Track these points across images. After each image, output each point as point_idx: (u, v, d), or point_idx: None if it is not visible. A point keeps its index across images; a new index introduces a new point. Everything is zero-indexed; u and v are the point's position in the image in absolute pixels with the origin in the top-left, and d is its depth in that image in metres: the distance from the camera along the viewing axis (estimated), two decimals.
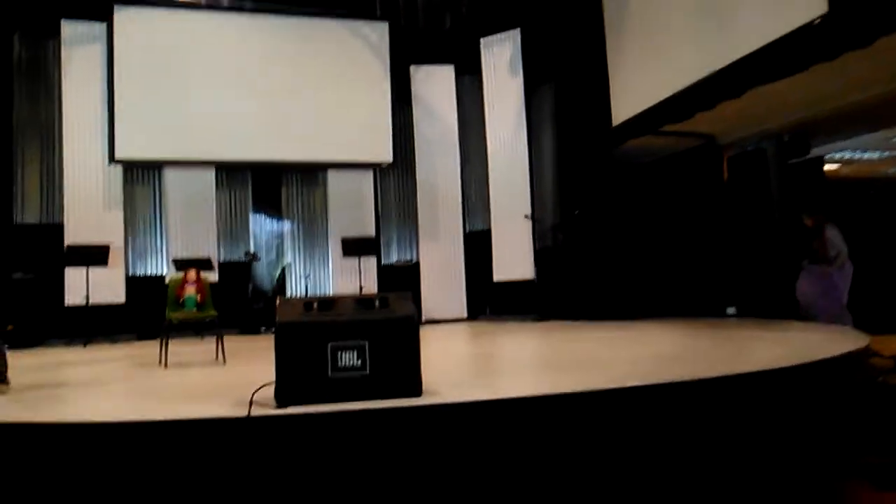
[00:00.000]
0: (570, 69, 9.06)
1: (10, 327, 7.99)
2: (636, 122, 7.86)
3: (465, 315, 10.02)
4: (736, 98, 6.21)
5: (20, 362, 6.21)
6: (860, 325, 5.64)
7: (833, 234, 6.73)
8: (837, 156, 9.75)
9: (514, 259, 9.54)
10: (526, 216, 9.33)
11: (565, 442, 2.96)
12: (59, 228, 8.62)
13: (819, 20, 5.03)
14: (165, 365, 5.13)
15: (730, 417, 3.27)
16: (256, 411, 2.84)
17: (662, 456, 3.07)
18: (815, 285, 6.75)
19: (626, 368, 3.93)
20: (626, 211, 8.80)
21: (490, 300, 9.96)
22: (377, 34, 10.02)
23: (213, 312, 5.54)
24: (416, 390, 3.11)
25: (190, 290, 5.58)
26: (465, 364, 5.06)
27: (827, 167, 8.62)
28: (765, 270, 7.75)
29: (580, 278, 8.69)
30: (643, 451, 3.05)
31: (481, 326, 8.90)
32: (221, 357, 5.32)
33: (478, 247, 10.08)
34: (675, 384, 3.24)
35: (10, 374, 4.04)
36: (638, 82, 7.81)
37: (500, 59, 9.93)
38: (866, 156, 9.96)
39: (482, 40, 10.05)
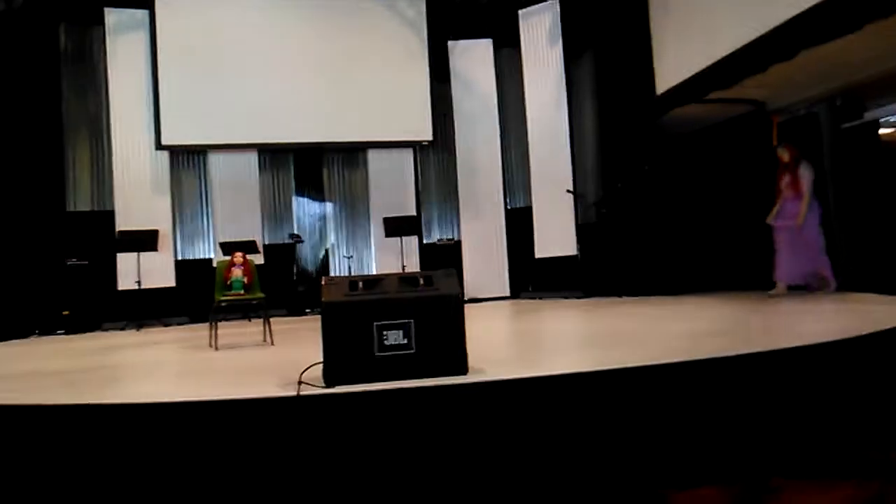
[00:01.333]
0: (611, 37, 8.83)
1: (66, 312, 8.31)
2: (681, 89, 7.64)
3: (507, 293, 9.99)
4: (787, 61, 5.97)
5: (76, 346, 6.45)
6: None
7: (808, 171, 6.68)
8: (893, 119, 9.34)
9: (556, 235, 9.45)
10: (568, 191, 9.22)
11: (610, 418, 2.93)
12: (109, 215, 8.87)
13: None
14: (216, 347, 5.25)
15: (779, 392, 3.19)
16: (305, 391, 2.87)
17: (710, 430, 3.01)
18: (796, 245, 6.67)
19: (673, 344, 3.86)
20: (672, 183, 8.59)
21: (533, 277, 9.89)
22: (414, 10, 9.95)
23: (260, 294, 5.62)
24: (463, 368, 3.10)
25: (237, 273, 5.66)
26: (509, 342, 5.04)
27: (882, 131, 8.26)
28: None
29: (624, 253, 8.54)
30: (690, 425, 3.00)
31: (524, 304, 8.86)
32: (269, 338, 5.41)
33: (519, 223, 10.00)
34: (723, 359, 3.17)
35: (68, 357, 4.18)
36: (683, 48, 7.57)
37: (539, 30, 9.76)
38: None
39: (520, 12, 9.88)
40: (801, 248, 6.71)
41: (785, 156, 6.92)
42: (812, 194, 6.69)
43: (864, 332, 3.60)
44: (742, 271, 8.23)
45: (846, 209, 7.33)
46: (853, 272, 7.12)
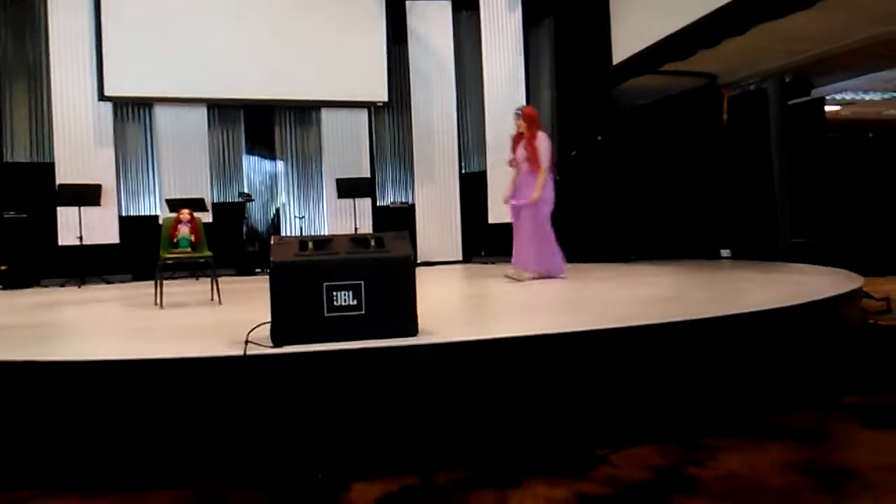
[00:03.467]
0: (571, 4, 8.82)
1: (3, 267, 8.02)
2: (637, 60, 7.70)
3: (460, 257, 10.04)
4: (740, 35, 6.07)
5: (14, 301, 6.24)
6: (854, 268, 5.66)
7: (545, 141, 5.99)
8: (839, 97, 9.63)
9: None
10: None
11: (551, 381, 2.99)
12: (49, 167, 8.53)
13: None
14: (161, 305, 5.14)
15: (719, 358, 3.31)
16: (252, 350, 2.85)
17: (650, 394, 3.11)
18: (531, 225, 6.02)
19: (619, 309, 3.95)
20: (624, 152, 8.71)
21: (485, 242, 9.95)
22: None
23: (207, 253, 5.51)
24: (412, 330, 3.11)
25: (184, 231, 5.53)
26: (459, 305, 5.08)
27: (828, 108, 8.51)
28: (759, 213, 7.74)
29: (575, 221, 8.65)
30: (633, 390, 3.09)
31: (476, 268, 8.92)
32: (217, 297, 5.33)
33: (474, 188, 10.01)
34: (665, 325, 3.25)
35: (6, 313, 4.04)
36: (639, 19, 7.62)
37: None
38: (868, 97, 9.85)
39: None
40: (525, 229, 6.10)
41: (520, 124, 6.07)
42: (549, 169, 5.99)
43: (797, 302, 3.74)
44: (691, 240, 8.45)
45: (791, 183, 7.57)
46: (794, 244, 7.38)
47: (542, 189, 5.91)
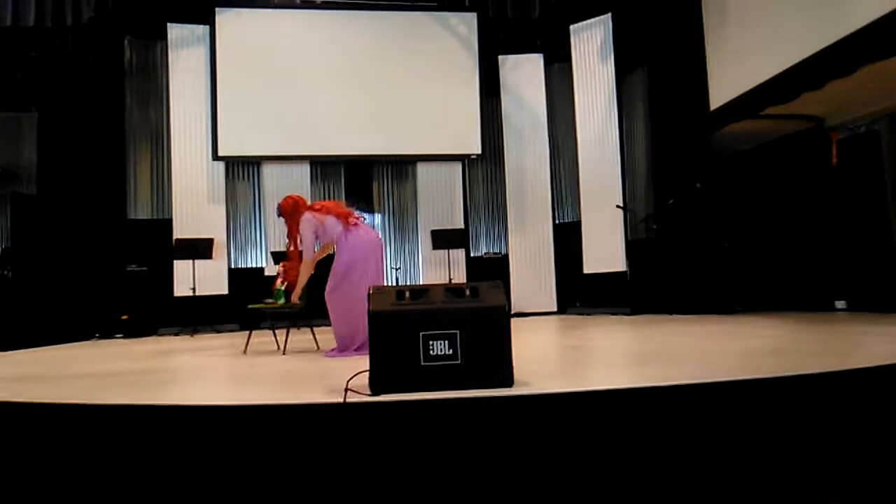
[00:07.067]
0: (664, 51, 8.76)
1: (125, 317, 8.60)
2: (736, 105, 7.51)
3: (554, 308, 9.92)
4: (847, 76, 5.83)
5: (134, 349, 6.66)
6: None
7: (308, 225, 5.19)
8: None
9: (605, 251, 9.35)
10: (618, 206, 9.13)
11: (657, 436, 2.88)
12: (167, 223, 9.16)
13: None
14: (245, 351, 5.35)
15: (839, 414, 3.09)
16: (351, 398, 2.91)
17: (762, 452, 2.93)
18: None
19: (724, 362, 3.77)
20: (724, 200, 8.43)
21: (580, 293, 9.81)
22: (466, 25, 10.05)
23: (298, 303, 5.58)
24: (508, 380, 3.10)
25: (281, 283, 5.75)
26: (556, 356, 5.00)
27: None
28: (877, 261, 7.25)
29: (675, 270, 8.40)
30: (743, 447, 2.92)
31: (571, 319, 8.78)
32: (316, 346, 5.49)
33: (568, 238, 9.94)
34: (777, 379, 3.08)
35: (127, 360, 4.30)
36: (738, 62, 7.45)
37: (591, 46, 9.74)
38: None
39: (572, 27, 9.88)
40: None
41: (284, 213, 5.29)
42: (311, 262, 5.22)
43: None
44: (802, 290, 8.00)
45: None
46: None
47: (305, 275, 5.27)
